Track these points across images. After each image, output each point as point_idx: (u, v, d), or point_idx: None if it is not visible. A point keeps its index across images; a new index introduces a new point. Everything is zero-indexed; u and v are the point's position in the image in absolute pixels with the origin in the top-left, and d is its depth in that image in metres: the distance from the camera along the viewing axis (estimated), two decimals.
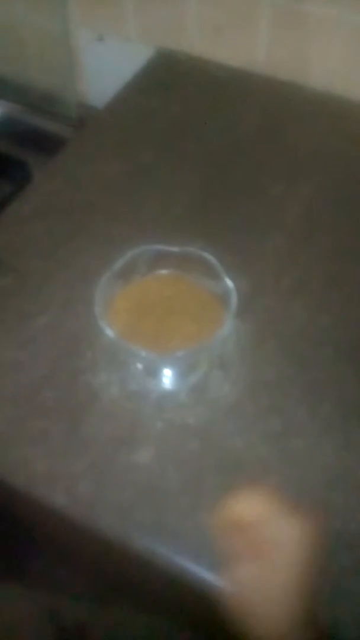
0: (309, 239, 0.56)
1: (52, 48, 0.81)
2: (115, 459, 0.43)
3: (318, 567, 0.31)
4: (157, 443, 0.43)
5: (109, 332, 0.40)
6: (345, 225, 0.57)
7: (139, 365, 0.47)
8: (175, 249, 0.44)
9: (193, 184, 0.60)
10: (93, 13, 0.77)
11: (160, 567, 0.40)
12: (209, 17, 0.70)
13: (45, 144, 0.76)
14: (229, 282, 0.42)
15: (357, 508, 0.40)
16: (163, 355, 0.42)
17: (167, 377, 0.47)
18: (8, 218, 0.58)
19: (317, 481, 0.42)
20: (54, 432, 0.44)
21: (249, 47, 0.70)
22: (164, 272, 0.45)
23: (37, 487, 0.42)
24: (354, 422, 0.44)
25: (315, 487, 0.41)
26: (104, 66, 0.80)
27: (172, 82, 0.72)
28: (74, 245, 0.55)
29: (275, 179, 0.61)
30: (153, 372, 0.47)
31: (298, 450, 0.43)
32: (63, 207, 0.59)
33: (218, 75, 0.72)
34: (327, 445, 0.43)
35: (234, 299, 0.41)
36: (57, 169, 0.63)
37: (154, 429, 0.44)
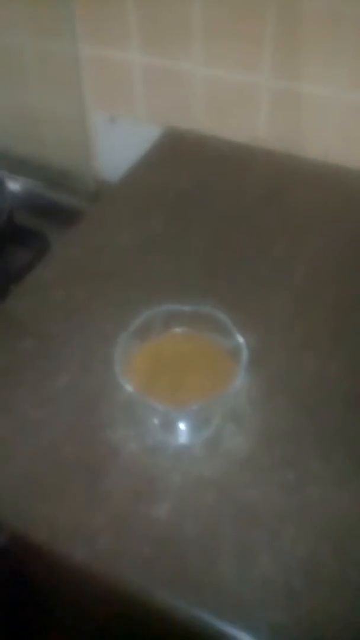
0: (314, 294, 0.59)
1: (68, 129, 0.88)
2: (134, 512, 0.44)
3: None
4: (175, 496, 0.45)
5: (129, 388, 0.42)
6: (347, 280, 0.60)
7: (156, 421, 0.49)
8: (187, 308, 0.47)
9: (202, 250, 0.64)
10: (106, 97, 0.84)
11: (180, 620, 0.40)
12: (213, 98, 0.77)
13: (63, 217, 0.81)
14: (240, 338, 0.44)
15: None
16: (179, 409, 0.44)
17: (183, 432, 0.49)
18: (29, 284, 0.62)
19: (334, 530, 0.42)
20: (75, 487, 0.46)
21: (250, 124, 0.76)
22: (177, 330, 0.48)
23: (58, 542, 0.43)
24: None
25: (333, 536, 0.42)
26: (117, 144, 0.87)
27: (179, 157, 0.78)
28: (91, 309, 0.59)
29: (279, 242, 0.64)
30: (169, 427, 0.49)
31: (314, 500, 0.44)
32: (80, 273, 0.63)
33: (222, 150, 0.78)
34: (342, 494, 0.44)
35: (244, 354, 0.43)
36: (74, 239, 0.67)
37: (172, 482, 0.45)
